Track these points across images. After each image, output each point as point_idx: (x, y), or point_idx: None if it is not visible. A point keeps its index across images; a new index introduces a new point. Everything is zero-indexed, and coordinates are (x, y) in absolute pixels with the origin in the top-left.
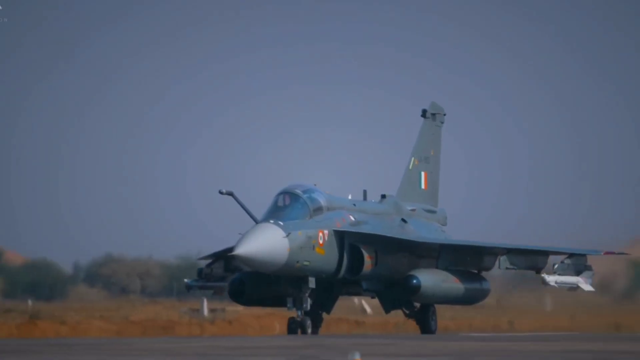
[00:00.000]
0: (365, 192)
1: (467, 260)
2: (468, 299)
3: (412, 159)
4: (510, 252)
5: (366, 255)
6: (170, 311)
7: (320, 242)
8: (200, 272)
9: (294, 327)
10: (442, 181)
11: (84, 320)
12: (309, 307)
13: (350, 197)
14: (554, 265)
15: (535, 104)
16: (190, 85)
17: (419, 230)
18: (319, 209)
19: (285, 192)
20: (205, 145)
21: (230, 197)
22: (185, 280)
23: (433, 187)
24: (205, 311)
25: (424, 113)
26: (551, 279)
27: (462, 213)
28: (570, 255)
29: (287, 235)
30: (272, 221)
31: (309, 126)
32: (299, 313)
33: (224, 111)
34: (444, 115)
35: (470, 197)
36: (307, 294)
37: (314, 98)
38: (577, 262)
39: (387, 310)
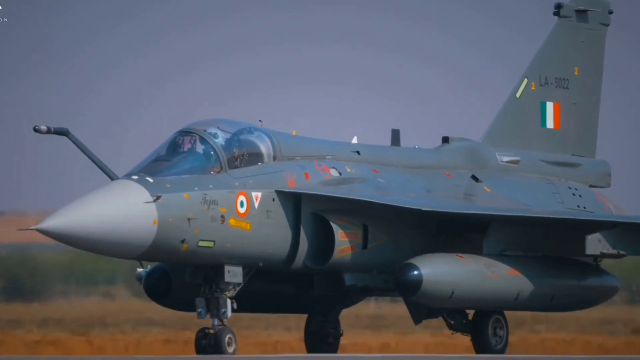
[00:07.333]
0: (395, 132)
1: (564, 243)
2: (550, 303)
3: (525, 80)
4: (616, 227)
5: (339, 232)
6: None
7: (241, 210)
8: None
9: (204, 343)
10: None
11: None
12: (229, 313)
13: (355, 141)
14: None
15: None
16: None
17: (502, 194)
18: (251, 158)
19: (182, 133)
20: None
21: (65, 138)
22: (139, 269)
23: (579, 125)
24: None
25: (558, 9)
26: None
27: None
28: None
29: (155, 200)
30: (135, 177)
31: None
32: (214, 322)
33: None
34: (610, 13)
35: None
36: (226, 293)
37: None
38: None
39: (417, 320)
